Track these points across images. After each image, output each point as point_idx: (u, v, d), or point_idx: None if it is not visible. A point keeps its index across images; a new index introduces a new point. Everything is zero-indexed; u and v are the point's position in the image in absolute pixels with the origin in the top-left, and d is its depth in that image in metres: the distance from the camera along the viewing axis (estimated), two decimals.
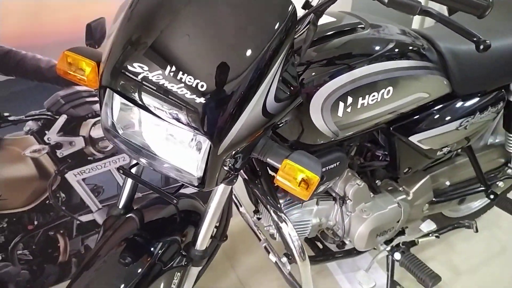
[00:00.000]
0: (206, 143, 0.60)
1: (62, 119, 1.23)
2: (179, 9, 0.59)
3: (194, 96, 0.56)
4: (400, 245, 1.24)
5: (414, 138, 1.04)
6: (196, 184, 0.65)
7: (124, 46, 0.60)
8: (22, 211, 1.29)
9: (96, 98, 1.24)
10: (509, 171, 1.43)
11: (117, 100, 0.64)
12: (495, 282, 1.50)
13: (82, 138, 1.29)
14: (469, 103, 1.09)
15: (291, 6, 0.60)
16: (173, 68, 0.56)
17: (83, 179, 1.35)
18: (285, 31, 0.59)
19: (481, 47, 0.66)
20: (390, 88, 0.87)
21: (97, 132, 1.30)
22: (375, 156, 1.14)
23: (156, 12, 0.60)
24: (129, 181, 0.90)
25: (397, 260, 1.20)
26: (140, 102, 0.59)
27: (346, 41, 0.83)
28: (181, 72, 0.56)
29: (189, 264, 0.86)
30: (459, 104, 1.08)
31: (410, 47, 0.92)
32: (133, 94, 0.59)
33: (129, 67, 0.58)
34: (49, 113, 1.20)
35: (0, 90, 1.10)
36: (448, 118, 1.06)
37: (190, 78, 0.56)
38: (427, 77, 0.96)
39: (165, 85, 0.56)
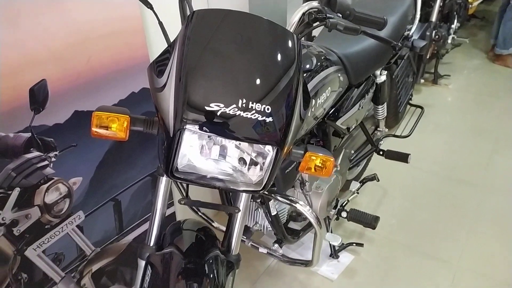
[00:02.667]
0: (272, 151, 0.78)
1: (15, 193, 1.14)
2: (229, 55, 0.75)
3: (264, 118, 0.74)
4: (339, 206, 1.59)
5: (339, 122, 1.39)
6: (259, 188, 0.82)
7: (195, 93, 0.72)
8: None
9: (46, 162, 1.20)
10: (378, 133, 1.96)
11: (186, 140, 0.75)
12: (394, 212, 2.03)
13: (38, 207, 1.20)
14: (360, 89, 1.51)
15: (295, 37, 0.83)
16: (244, 101, 0.73)
17: (43, 251, 1.26)
18: (299, 54, 0.82)
19: (397, 48, 1.02)
20: (329, 88, 1.19)
21: (51, 197, 1.24)
22: (310, 144, 1.45)
23: (213, 61, 0.74)
24: (157, 219, 0.96)
25: (344, 217, 1.54)
26: (218, 132, 0.73)
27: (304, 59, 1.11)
28: (250, 102, 0.73)
29: (234, 268, 0.98)
30: (355, 91, 1.48)
31: (329, 58, 1.26)
32: (213, 127, 0.72)
33: (207, 108, 0.71)
34: (1, 190, 1.10)
35: None
36: (352, 102, 1.45)
37: (259, 105, 0.73)
38: (340, 76, 1.32)
39: (241, 114, 0.72)
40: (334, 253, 1.78)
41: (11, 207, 1.13)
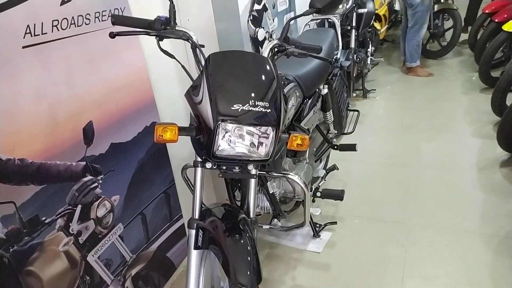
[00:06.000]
0: (273, 131, 1.24)
1: (78, 209, 1.49)
2: (238, 76, 1.21)
3: (266, 110, 1.20)
4: (313, 188, 2.07)
5: (302, 124, 1.90)
6: (267, 158, 1.27)
7: (222, 101, 1.18)
8: None
9: (96, 184, 1.57)
10: (330, 135, 2.50)
11: (221, 131, 1.20)
12: (354, 195, 2.54)
13: (93, 220, 1.55)
14: (311, 100, 2.05)
15: (271, 61, 1.32)
16: (252, 101, 1.19)
17: (98, 257, 1.59)
18: (276, 71, 1.32)
19: (332, 63, 1.57)
20: (292, 99, 1.71)
21: (101, 212, 1.59)
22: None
23: (228, 80, 1.21)
24: (198, 199, 1.36)
25: (318, 196, 2.02)
26: (241, 121, 1.18)
27: None
28: (256, 101, 1.20)
29: (256, 225, 1.40)
30: (309, 101, 2.02)
31: (288, 78, 1.79)
32: (237, 119, 1.18)
33: (232, 108, 1.17)
34: (69, 207, 1.45)
35: (39, 198, 1.32)
36: (308, 109, 1.98)
37: (261, 103, 1.20)
38: (296, 91, 1.84)
39: (251, 109, 1.19)
40: (316, 233, 2.23)
41: (77, 220, 1.48)
